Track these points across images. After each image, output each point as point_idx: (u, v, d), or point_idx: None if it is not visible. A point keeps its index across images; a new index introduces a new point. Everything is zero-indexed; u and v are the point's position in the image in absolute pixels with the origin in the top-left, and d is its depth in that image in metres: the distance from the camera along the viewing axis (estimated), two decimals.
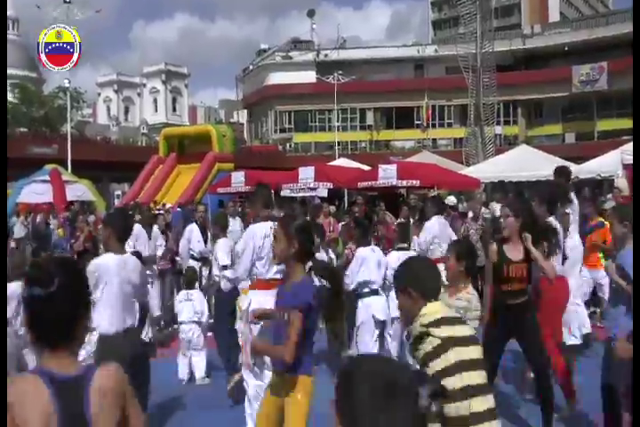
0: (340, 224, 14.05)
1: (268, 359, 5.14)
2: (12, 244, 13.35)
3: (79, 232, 12.47)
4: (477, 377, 3.08)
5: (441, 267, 5.80)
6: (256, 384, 5.68)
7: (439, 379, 2.82)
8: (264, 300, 5.72)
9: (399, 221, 13.56)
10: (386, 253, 7.80)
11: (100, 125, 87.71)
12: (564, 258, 6.85)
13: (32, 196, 22.72)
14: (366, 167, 24.71)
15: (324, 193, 20.23)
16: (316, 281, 4.33)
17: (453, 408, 2.95)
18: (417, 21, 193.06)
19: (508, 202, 6.60)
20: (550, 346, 6.26)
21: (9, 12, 73.95)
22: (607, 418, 5.20)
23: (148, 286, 5.63)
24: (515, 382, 7.04)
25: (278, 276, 5.66)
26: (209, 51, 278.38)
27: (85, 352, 5.28)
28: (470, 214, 13.23)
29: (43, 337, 2.22)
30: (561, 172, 8.86)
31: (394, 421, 1.63)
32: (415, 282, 3.17)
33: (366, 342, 7.03)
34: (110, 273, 4.94)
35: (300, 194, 21.13)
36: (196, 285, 9.12)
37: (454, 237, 9.65)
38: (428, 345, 3.07)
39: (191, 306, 8.28)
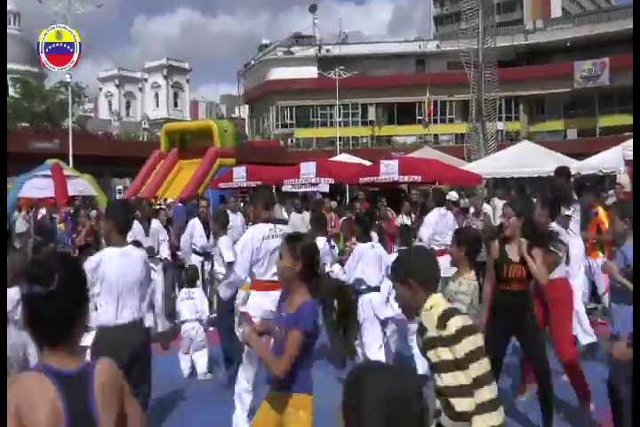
0: (341, 219, 14.06)
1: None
2: (17, 244, 13.34)
3: (81, 227, 12.48)
4: (486, 365, 3.12)
5: (443, 259, 5.83)
6: (247, 379, 5.71)
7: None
8: (262, 301, 5.73)
9: (402, 219, 13.62)
10: (387, 250, 7.81)
11: (102, 120, 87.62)
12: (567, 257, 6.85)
13: (33, 190, 22.68)
14: (368, 163, 24.68)
15: (326, 188, 20.24)
16: None
17: (466, 403, 2.98)
18: (419, 17, 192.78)
19: (511, 201, 6.54)
20: (564, 347, 6.28)
21: (10, 7, 73.92)
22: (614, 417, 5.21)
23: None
24: (514, 381, 7.04)
25: (276, 278, 5.65)
26: (210, 46, 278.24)
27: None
28: (472, 210, 13.23)
29: (43, 335, 2.21)
30: (561, 172, 8.93)
31: None
32: (415, 272, 3.17)
33: (370, 342, 7.01)
34: (110, 267, 4.92)
35: (302, 189, 21.15)
36: (198, 283, 9.12)
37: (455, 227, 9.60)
38: (447, 333, 3.07)
39: (192, 305, 8.28)
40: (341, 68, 56.98)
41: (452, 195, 17.71)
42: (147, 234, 10.21)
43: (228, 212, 13.74)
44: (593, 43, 56.18)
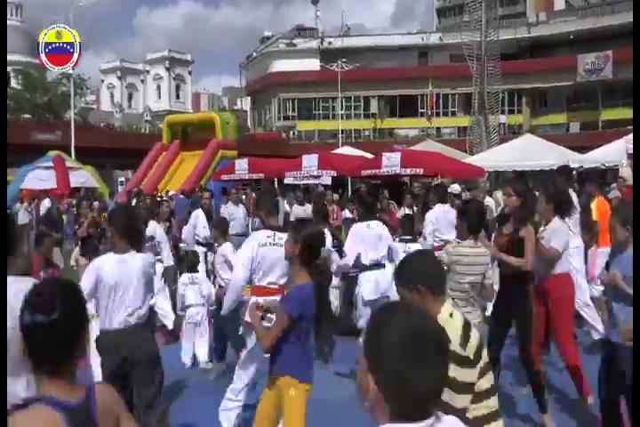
0: (343, 212, 14.08)
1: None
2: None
3: (83, 218, 12.48)
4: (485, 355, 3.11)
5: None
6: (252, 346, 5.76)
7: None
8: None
9: (404, 212, 13.61)
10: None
11: (104, 112, 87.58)
12: None
13: (36, 182, 22.76)
14: (370, 155, 24.68)
15: (328, 181, 20.24)
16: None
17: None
18: (421, 9, 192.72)
19: (512, 181, 6.70)
20: (568, 347, 6.35)
21: None
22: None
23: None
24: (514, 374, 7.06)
25: (272, 286, 5.68)
26: (213, 38, 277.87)
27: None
28: None
29: (43, 362, 2.19)
30: (562, 171, 9.05)
31: (425, 372, 1.64)
32: (423, 277, 3.08)
33: (363, 323, 7.06)
34: (105, 274, 4.93)
35: (304, 182, 21.16)
36: (200, 268, 9.13)
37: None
38: (465, 355, 2.97)
39: (197, 289, 8.31)
40: (344, 60, 56.88)
41: (455, 188, 17.69)
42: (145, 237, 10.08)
43: (230, 204, 13.86)
44: (596, 36, 55.99)
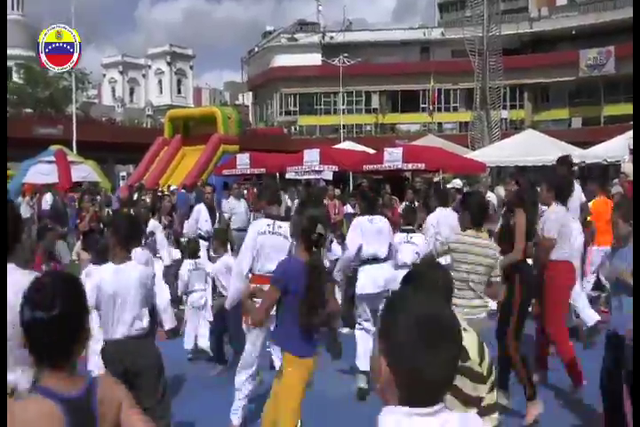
0: (345, 207, 14.10)
1: None
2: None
3: (85, 212, 12.49)
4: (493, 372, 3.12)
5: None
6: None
7: None
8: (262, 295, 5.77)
9: (405, 204, 13.61)
10: None
11: (105, 107, 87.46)
12: None
13: (37, 176, 22.78)
14: (371, 151, 24.69)
15: (329, 176, 20.27)
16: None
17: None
18: (423, 4, 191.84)
19: (514, 174, 6.87)
20: (564, 347, 6.47)
21: None
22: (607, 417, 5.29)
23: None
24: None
25: (269, 274, 5.69)
26: (214, 32, 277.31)
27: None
28: None
29: (44, 357, 2.20)
30: (563, 161, 9.03)
31: (436, 358, 1.66)
32: (437, 290, 3.03)
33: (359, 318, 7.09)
34: (106, 284, 4.92)
35: (305, 177, 21.17)
36: (202, 254, 9.16)
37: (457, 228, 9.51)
38: (479, 371, 2.98)
39: (202, 274, 8.38)
40: (345, 55, 56.81)
41: (456, 182, 17.71)
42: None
43: (232, 198, 13.88)
44: (598, 31, 55.88)
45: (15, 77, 57.99)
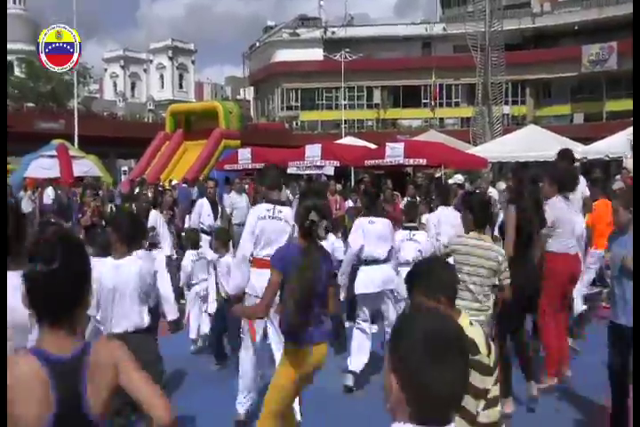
0: (346, 202, 14.11)
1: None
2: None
3: (86, 207, 12.47)
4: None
5: None
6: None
7: None
8: (258, 279, 5.77)
9: (407, 199, 13.61)
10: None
11: (107, 101, 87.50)
12: None
13: (39, 170, 22.74)
14: (373, 146, 24.67)
15: (331, 171, 20.25)
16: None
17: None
18: None
19: (515, 170, 6.87)
20: (549, 340, 6.56)
21: None
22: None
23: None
24: None
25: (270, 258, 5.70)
26: (216, 27, 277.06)
27: None
28: None
29: (44, 313, 2.20)
30: (564, 155, 8.96)
31: (443, 374, 1.66)
32: (445, 289, 3.01)
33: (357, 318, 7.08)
34: (105, 278, 4.96)
35: (307, 172, 21.17)
36: (204, 245, 9.18)
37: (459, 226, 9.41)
38: (487, 363, 2.97)
39: (205, 263, 8.40)
40: (347, 50, 56.66)
41: (458, 177, 17.71)
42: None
43: (233, 193, 13.89)
44: (601, 26, 55.75)
45: (17, 72, 58.00)
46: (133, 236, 5.23)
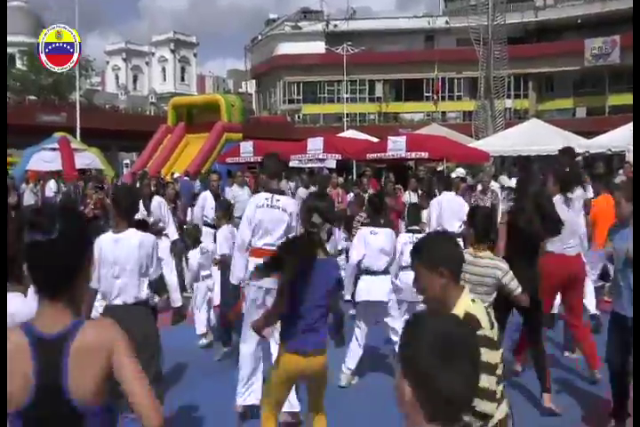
0: (348, 195, 14.11)
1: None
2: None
3: (88, 199, 12.52)
4: None
5: None
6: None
7: None
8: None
9: (409, 195, 13.61)
10: (394, 227, 7.77)
11: (109, 94, 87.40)
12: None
13: (41, 163, 22.75)
14: (375, 139, 24.65)
15: (333, 164, 20.26)
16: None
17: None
18: None
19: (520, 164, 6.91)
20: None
21: None
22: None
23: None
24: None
25: (269, 247, 5.69)
26: (218, 20, 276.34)
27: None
28: (479, 187, 13.24)
29: (42, 284, 2.19)
30: (565, 152, 9.06)
31: (453, 376, 1.67)
32: (448, 262, 2.98)
33: (359, 324, 7.07)
34: (105, 252, 5.02)
35: (309, 165, 21.19)
36: (208, 239, 9.20)
37: (464, 210, 9.39)
38: (492, 335, 2.96)
39: (209, 256, 8.41)
40: (349, 43, 56.56)
41: (459, 171, 17.70)
42: (148, 213, 10.09)
43: (235, 186, 13.89)
44: (604, 20, 55.57)
45: (18, 64, 57.91)
46: (130, 209, 5.30)
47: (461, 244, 5.75)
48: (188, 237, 9.12)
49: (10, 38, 55.34)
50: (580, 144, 20.70)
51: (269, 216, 5.86)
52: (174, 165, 29.91)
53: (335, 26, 65.60)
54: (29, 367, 2.11)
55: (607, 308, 7.99)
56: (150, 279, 5.19)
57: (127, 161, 40.44)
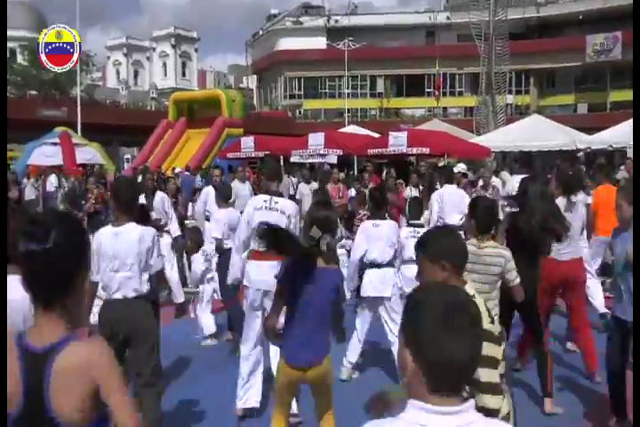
0: (349, 191, 14.11)
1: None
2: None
3: (90, 194, 12.52)
4: None
5: None
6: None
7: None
8: (254, 271, 5.78)
9: (410, 191, 13.60)
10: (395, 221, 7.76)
11: (110, 89, 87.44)
12: None
13: (42, 158, 22.75)
14: (376, 135, 24.64)
15: (334, 160, 20.24)
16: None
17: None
18: None
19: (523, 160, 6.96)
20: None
21: None
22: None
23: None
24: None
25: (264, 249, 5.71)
26: (219, 15, 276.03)
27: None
28: (480, 183, 13.25)
29: (38, 294, 2.16)
30: (565, 159, 9.08)
31: (453, 344, 1.68)
32: (450, 255, 3.01)
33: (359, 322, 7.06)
34: (105, 246, 5.00)
35: (310, 160, 21.17)
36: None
37: (465, 203, 9.34)
38: (494, 330, 2.93)
39: (213, 260, 8.40)
40: (350, 39, 56.53)
41: (461, 166, 17.70)
42: (150, 208, 10.10)
43: (236, 181, 13.86)
44: (606, 16, 55.48)
45: (20, 59, 57.87)
46: (130, 202, 5.26)
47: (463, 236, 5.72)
48: (192, 242, 9.07)
49: (11, 33, 55.35)
50: (582, 140, 20.70)
51: (267, 218, 5.79)
52: (175, 160, 29.90)
53: (336, 21, 65.56)
54: (18, 382, 2.09)
55: (609, 303, 8.03)
56: (151, 273, 5.19)
57: (128, 156, 40.45)
